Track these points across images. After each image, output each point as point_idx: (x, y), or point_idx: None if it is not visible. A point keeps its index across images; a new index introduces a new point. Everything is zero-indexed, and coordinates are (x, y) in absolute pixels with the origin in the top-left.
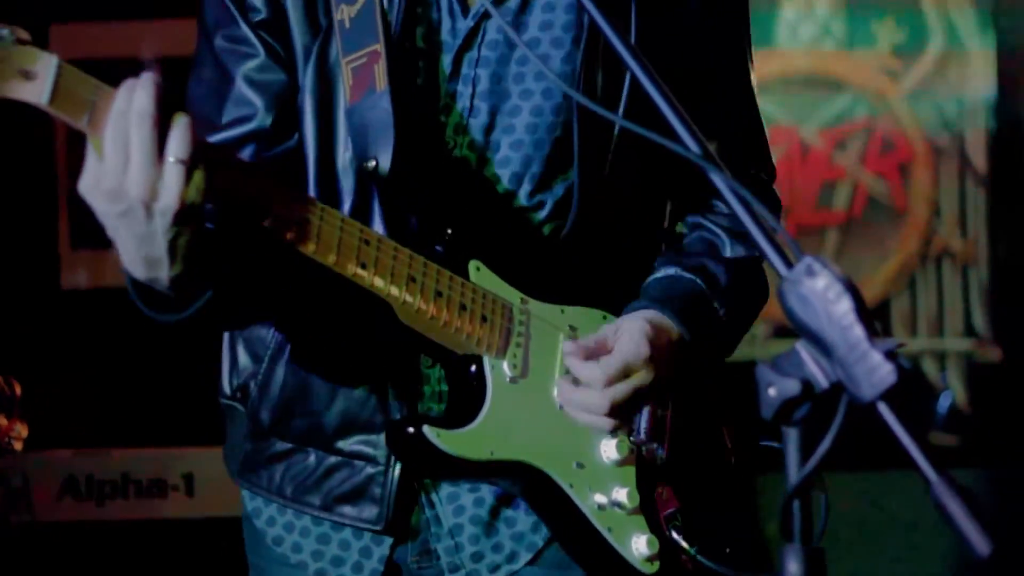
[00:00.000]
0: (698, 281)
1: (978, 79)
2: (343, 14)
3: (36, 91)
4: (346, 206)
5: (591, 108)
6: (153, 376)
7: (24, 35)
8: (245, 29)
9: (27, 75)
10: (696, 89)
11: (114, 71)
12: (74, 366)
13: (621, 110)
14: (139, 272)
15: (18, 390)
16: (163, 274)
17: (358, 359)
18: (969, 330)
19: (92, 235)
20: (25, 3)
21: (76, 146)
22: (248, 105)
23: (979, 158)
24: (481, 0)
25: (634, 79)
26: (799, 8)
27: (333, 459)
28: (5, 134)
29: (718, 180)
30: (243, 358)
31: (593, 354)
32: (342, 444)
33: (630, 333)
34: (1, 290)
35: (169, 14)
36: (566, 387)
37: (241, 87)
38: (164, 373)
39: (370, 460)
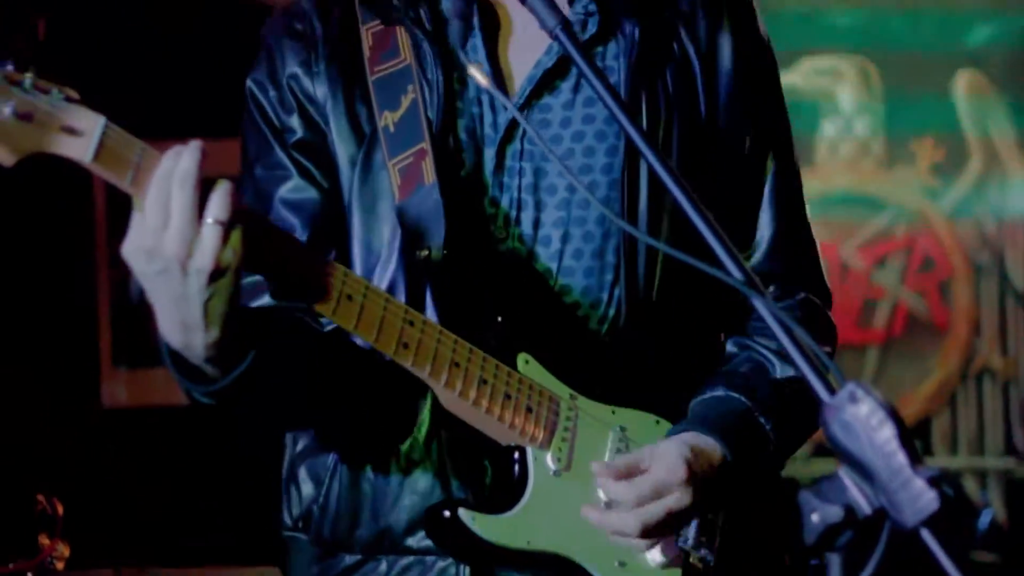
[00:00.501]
0: (743, 399)
1: (1017, 197)
2: (387, 120)
3: (81, 148)
4: (400, 300)
5: (631, 232)
6: (195, 495)
7: (73, 94)
8: (280, 154)
9: (73, 132)
10: (742, 201)
11: None
12: (116, 485)
13: (668, 211)
14: (175, 338)
15: (60, 509)
16: (198, 339)
17: (416, 453)
18: (1009, 448)
19: (133, 352)
20: None
21: (118, 264)
22: (286, 226)
23: (1018, 276)
24: (509, 107)
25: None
26: (839, 127)
27: (405, 560)
28: (47, 252)
29: (760, 306)
30: (306, 486)
31: (624, 476)
32: (411, 542)
33: (667, 455)
34: (41, 407)
35: (206, 134)
36: (594, 513)
37: (278, 208)
38: (207, 492)
39: (441, 554)
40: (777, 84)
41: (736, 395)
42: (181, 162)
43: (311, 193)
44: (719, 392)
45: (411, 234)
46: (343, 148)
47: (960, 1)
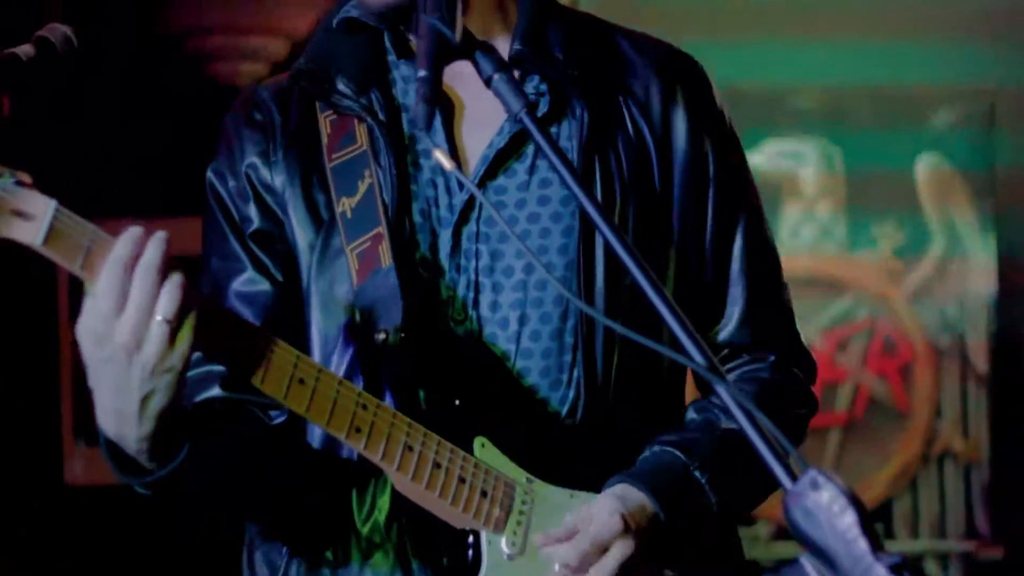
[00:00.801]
0: (678, 454)
1: (979, 282)
2: (344, 206)
3: (31, 232)
4: (357, 386)
5: (590, 313)
6: (159, 574)
7: (25, 178)
8: (235, 245)
9: (23, 215)
10: (710, 276)
11: None
12: (79, 563)
13: (627, 292)
14: (110, 427)
15: None
16: (130, 431)
17: (377, 536)
18: (971, 531)
19: (96, 429)
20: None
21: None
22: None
23: (980, 360)
24: (468, 185)
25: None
26: (800, 210)
27: None
28: (9, 325)
29: (722, 391)
30: (262, 571)
31: (565, 539)
32: None
33: (601, 511)
34: (2, 484)
35: (173, 213)
36: None
37: (232, 301)
38: (170, 572)
39: None
40: (738, 154)
41: (671, 450)
42: (147, 253)
43: (264, 286)
44: (655, 448)
45: (368, 318)
46: (302, 235)
47: (922, 85)
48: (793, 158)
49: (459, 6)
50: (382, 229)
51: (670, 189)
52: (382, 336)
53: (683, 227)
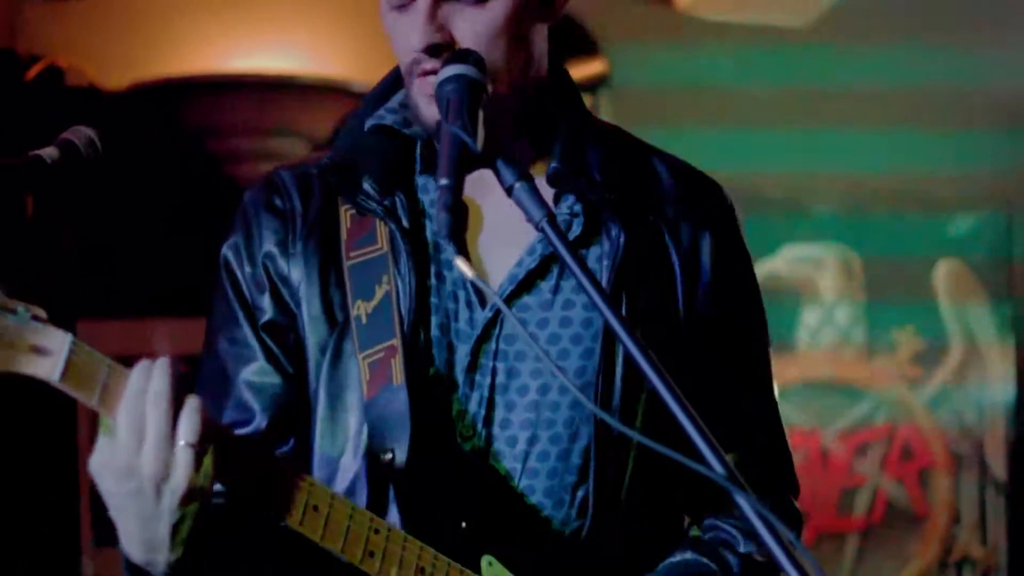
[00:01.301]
0: (711, 564)
1: (998, 386)
2: (360, 310)
3: (48, 367)
4: (362, 498)
5: (607, 421)
6: None
7: (40, 313)
8: (247, 332)
9: (40, 351)
10: (718, 398)
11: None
12: None
13: (641, 411)
14: (138, 555)
15: None
16: (162, 557)
17: None
18: None
19: (114, 532)
20: (55, 300)
21: None
22: (246, 410)
23: (999, 465)
24: (495, 300)
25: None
26: (819, 315)
27: None
28: (27, 430)
29: (742, 502)
30: None
31: None
32: None
33: None
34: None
35: (194, 313)
36: None
37: (240, 389)
38: None
39: None
40: (756, 296)
41: (704, 560)
42: (153, 381)
43: (275, 378)
44: (687, 555)
45: (376, 434)
46: (314, 333)
47: (941, 195)
48: (812, 263)
49: (481, 115)
50: (396, 342)
51: (692, 320)
52: (389, 456)
53: (697, 357)
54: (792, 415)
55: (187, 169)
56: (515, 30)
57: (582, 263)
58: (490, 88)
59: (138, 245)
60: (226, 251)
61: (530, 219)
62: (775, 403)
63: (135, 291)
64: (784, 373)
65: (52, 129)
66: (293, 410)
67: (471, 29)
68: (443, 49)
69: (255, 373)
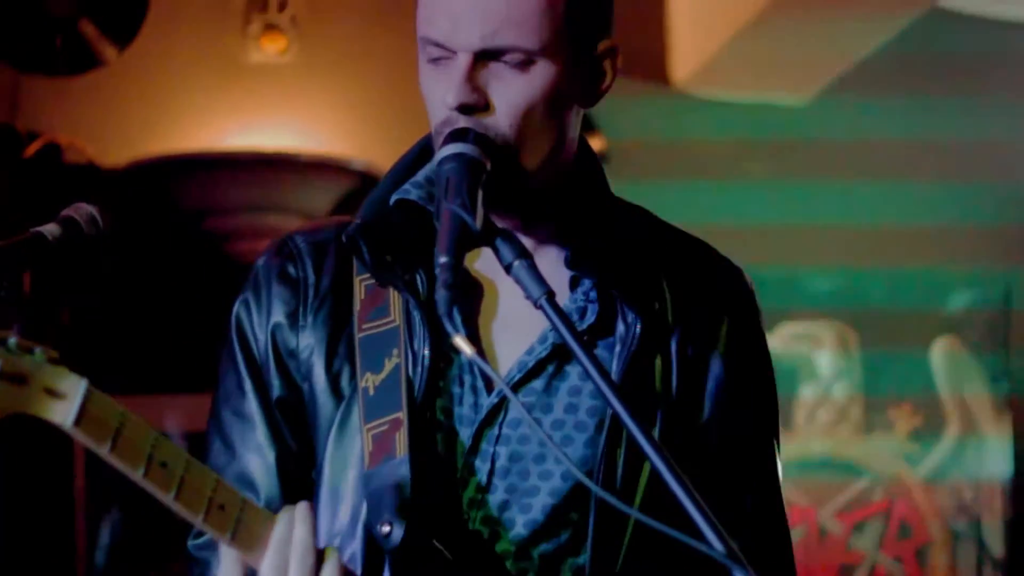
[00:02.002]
0: None
1: (994, 464)
2: (368, 382)
3: (62, 412)
4: (358, 571)
5: (611, 502)
6: None
7: (54, 355)
8: (253, 406)
9: (54, 394)
10: (720, 483)
11: None
12: None
13: (639, 499)
14: None
15: None
16: None
17: None
18: None
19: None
20: None
21: (94, 524)
22: (249, 484)
23: (996, 542)
24: (500, 384)
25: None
26: (817, 393)
27: None
28: (25, 504)
29: None
30: None
31: None
32: None
33: None
34: None
35: (194, 389)
36: None
37: (244, 464)
38: None
39: None
40: (770, 388)
41: None
42: (298, 530)
43: (279, 453)
44: None
45: (374, 506)
46: (322, 406)
47: (939, 266)
48: (809, 341)
49: (480, 194)
50: (402, 415)
51: (700, 415)
52: (386, 528)
53: (706, 452)
54: (789, 492)
55: (185, 246)
56: (552, 104)
57: (584, 345)
58: (488, 164)
59: (136, 322)
60: (238, 308)
61: (529, 297)
62: (779, 494)
63: (134, 367)
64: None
65: (50, 206)
66: (296, 485)
67: (509, 94)
68: (475, 110)
69: (259, 448)
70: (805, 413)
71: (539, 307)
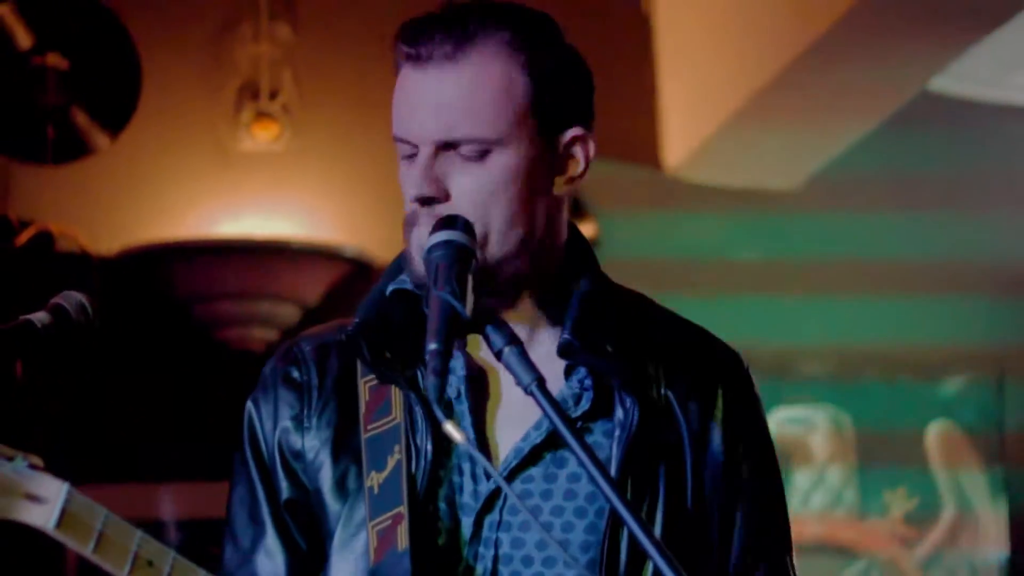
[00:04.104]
0: None
1: (990, 549)
2: (373, 481)
3: (43, 516)
4: None
5: None
6: None
7: (36, 461)
8: (264, 510)
9: (35, 499)
10: (730, 561)
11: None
12: None
13: None
14: None
15: None
16: None
17: None
18: None
19: None
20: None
21: None
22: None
23: None
24: (492, 472)
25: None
26: (811, 476)
27: None
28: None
29: None
30: None
31: None
32: None
33: None
34: None
35: (187, 477)
36: None
37: (253, 568)
38: None
39: None
40: (772, 467)
41: None
42: None
43: (287, 557)
44: None
45: None
46: (329, 506)
47: (933, 353)
48: (803, 424)
49: (470, 281)
50: (403, 509)
51: (700, 500)
52: None
53: (706, 538)
54: None
55: (176, 333)
56: (516, 193)
57: (576, 432)
58: (479, 253)
59: (127, 409)
60: (248, 412)
61: (519, 383)
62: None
63: (125, 455)
64: None
65: (42, 294)
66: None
67: (466, 185)
68: (435, 202)
69: (269, 553)
70: (799, 496)
71: (529, 393)
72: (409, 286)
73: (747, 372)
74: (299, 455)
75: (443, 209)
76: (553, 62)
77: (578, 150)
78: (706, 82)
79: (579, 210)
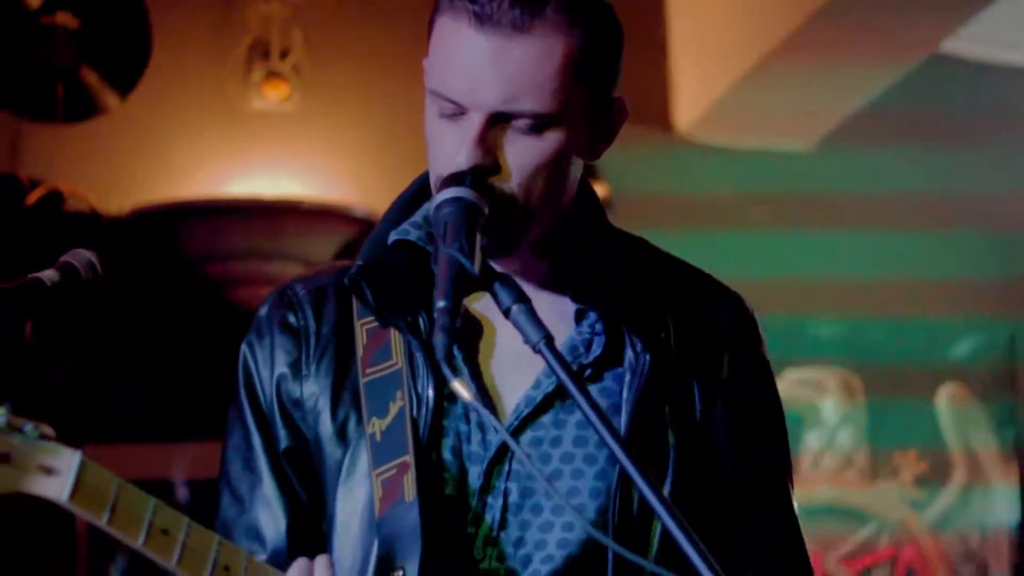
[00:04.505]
0: None
1: (1000, 509)
2: (374, 427)
3: (56, 487)
4: None
5: (623, 554)
6: None
7: (48, 431)
8: (261, 459)
9: (48, 470)
10: (737, 509)
11: (149, 492)
12: None
13: (658, 535)
14: None
15: None
16: None
17: None
18: None
19: None
20: (66, 424)
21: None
22: (258, 539)
23: None
24: (501, 432)
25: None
26: (822, 438)
27: None
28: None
29: None
30: None
31: None
32: None
33: None
34: None
35: (196, 437)
36: None
37: (252, 518)
38: None
39: None
40: (776, 408)
41: None
42: None
43: (288, 506)
44: None
45: (386, 552)
46: (328, 455)
47: (943, 313)
48: (814, 387)
49: (478, 237)
50: (409, 459)
51: (712, 433)
52: (399, 574)
53: (716, 477)
54: None
55: (186, 293)
56: (562, 164)
57: (584, 390)
58: (485, 208)
59: (138, 370)
60: (243, 360)
61: (528, 341)
62: (793, 515)
63: (136, 416)
64: None
65: (52, 254)
66: (305, 536)
67: (520, 157)
68: (488, 173)
69: (267, 502)
70: (810, 460)
71: (538, 351)
72: (412, 236)
73: (750, 312)
74: (298, 403)
75: (494, 181)
76: (605, 33)
77: (618, 115)
78: (717, 42)
79: (591, 171)
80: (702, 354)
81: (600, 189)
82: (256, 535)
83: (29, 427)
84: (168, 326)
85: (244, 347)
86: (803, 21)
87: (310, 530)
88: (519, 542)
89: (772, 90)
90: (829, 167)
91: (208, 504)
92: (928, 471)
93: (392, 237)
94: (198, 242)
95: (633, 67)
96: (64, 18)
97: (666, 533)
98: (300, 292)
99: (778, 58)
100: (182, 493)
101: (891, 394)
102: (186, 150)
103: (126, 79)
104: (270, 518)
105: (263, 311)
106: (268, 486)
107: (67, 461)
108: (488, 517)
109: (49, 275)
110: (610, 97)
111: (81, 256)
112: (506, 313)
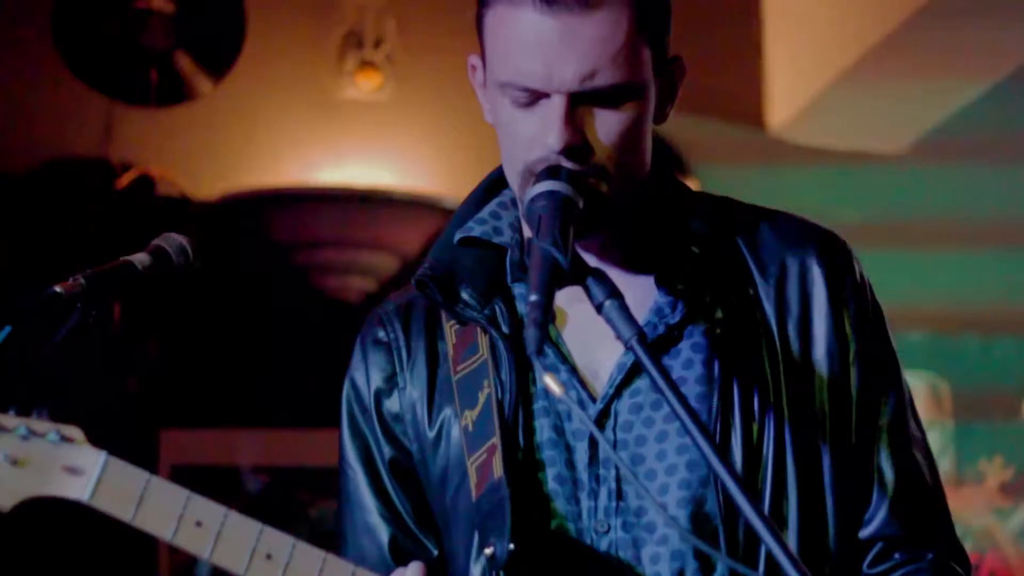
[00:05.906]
0: None
1: None
2: (467, 419)
3: (79, 487)
4: None
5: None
6: None
7: (72, 434)
8: (364, 488)
9: (73, 471)
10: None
11: (219, 478)
12: None
13: (763, 476)
14: None
15: None
16: None
17: None
18: None
19: None
20: (141, 408)
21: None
22: (364, 558)
23: None
24: (587, 424)
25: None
26: None
27: None
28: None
29: None
30: None
31: None
32: None
33: None
34: None
35: (269, 424)
36: None
37: (358, 548)
38: None
39: None
40: (882, 331)
41: None
42: None
43: (392, 521)
44: None
45: (483, 532)
46: (432, 456)
47: None
48: None
49: (571, 232)
50: (496, 440)
51: (811, 378)
52: (490, 550)
53: (830, 415)
54: None
55: (275, 280)
56: (644, 132)
57: (670, 382)
58: (580, 202)
59: (225, 356)
60: (346, 387)
61: (619, 337)
62: (929, 456)
63: (221, 402)
64: None
65: (142, 238)
66: (411, 545)
67: (606, 131)
68: (579, 151)
69: (372, 524)
70: None
71: (629, 347)
72: (476, 232)
73: (846, 247)
74: (398, 417)
75: (585, 157)
76: None
77: (679, 73)
78: (813, 41)
79: (681, 168)
80: (796, 298)
81: (691, 186)
82: (361, 554)
83: (52, 432)
84: (255, 312)
85: (346, 381)
86: (903, 20)
87: (413, 553)
88: (640, 511)
89: (866, 92)
90: (921, 175)
91: (283, 490)
92: (1013, 479)
93: (457, 235)
94: (287, 229)
95: (728, 66)
96: (159, 3)
97: (775, 474)
98: (389, 308)
99: (873, 60)
100: (259, 479)
101: (978, 402)
102: (277, 137)
103: (219, 64)
104: (374, 548)
105: (361, 332)
106: (377, 503)
107: (91, 461)
108: (603, 490)
109: (140, 259)
110: (669, 56)
111: (173, 240)
112: (598, 308)
